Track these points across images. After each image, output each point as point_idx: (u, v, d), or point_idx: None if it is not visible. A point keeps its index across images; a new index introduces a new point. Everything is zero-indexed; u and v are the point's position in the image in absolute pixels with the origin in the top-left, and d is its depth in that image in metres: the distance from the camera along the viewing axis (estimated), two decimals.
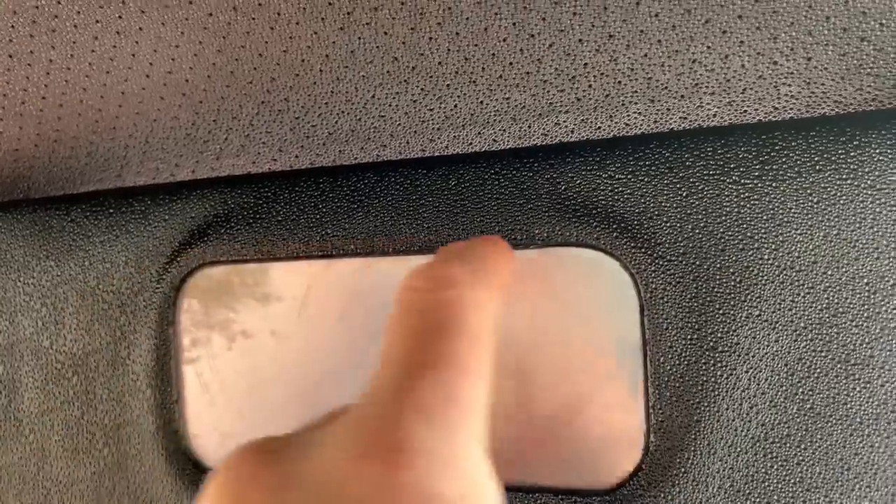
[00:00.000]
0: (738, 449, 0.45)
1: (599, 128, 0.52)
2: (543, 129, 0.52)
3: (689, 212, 0.45)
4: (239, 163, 0.60)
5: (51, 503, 0.60)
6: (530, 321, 0.49)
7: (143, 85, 0.54)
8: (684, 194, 0.46)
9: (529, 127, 0.52)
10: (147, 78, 0.54)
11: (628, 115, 0.50)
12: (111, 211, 0.58)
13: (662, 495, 0.46)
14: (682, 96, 0.49)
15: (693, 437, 0.45)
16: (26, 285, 0.59)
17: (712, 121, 0.50)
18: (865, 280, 0.43)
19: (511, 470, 0.50)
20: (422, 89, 0.51)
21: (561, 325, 0.48)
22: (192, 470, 0.56)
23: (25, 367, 0.60)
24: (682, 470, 0.45)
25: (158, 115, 0.56)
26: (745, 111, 0.48)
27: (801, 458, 0.44)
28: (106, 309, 0.57)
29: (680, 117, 0.50)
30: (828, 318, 0.43)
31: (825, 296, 0.43)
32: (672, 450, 0.46)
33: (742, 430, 0.45)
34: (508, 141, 0.54)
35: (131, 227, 0.57)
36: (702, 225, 0.45)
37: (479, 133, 0.54)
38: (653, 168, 0.46)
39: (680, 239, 0.46)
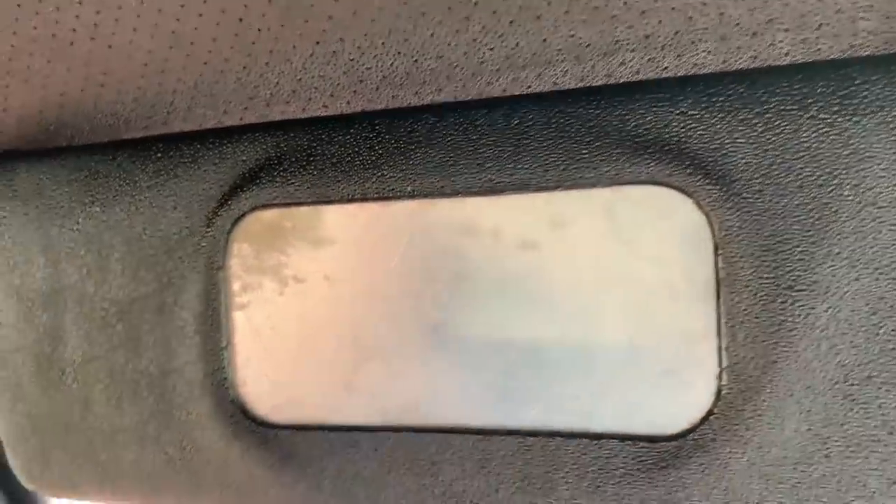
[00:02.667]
0: (817, 391, 0.43)
1: (666, 68, 0.50)
2: (607, 69, 0.51)
3: (765, 148, 0.44)
4: (289, 109, 0.59)
5: (94, 452, 0.59)
6: (597, 262, 0.47)
7: (196, 25, 0.53)
8: (760, 130, 0.44)
9: (593, 67, 0.51)
10: (200, 17, 0.53)
11: (697, 55, 0.49)
12: (158, 156, 0.56)
13: (736, 439, 0.44)
14: (754, 33, 0.47)
15: (769, 378, 0.44)
16: (71, 231, 0.58)
17: (783, 60, 0.48)
18: None
19: (574, 416, 0.48)
20: (483, 27, 0.50)
21: (629, 266, 0.47)
22: (240, 418, 0.55)
23: (69, 315, 0.59)
24: (758, 412, 0.44)
25: (209, 58, 0.55)
26: (819, 49, 0.47)
27: (883, 400, 0.42)
28: (153, 255, 0.56)
29: (750, 57, 0.49)
30: None
31: None
32: (746, 392, 0.44)
33: (821, 372, 0.43)
34: (570, 83, 0.52)
35: (179, 171, 0.56)
36: (779, 161, 0.44)
37: (540, 75, 0.52)
38: (727, 104, 0.45)
39: (756, 176, 0.44)
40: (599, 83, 0.51)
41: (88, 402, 0.58)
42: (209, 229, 0.55)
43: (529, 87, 0.52)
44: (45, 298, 0.59)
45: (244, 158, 0.54)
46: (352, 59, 0.54)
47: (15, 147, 0.63)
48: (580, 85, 0.52)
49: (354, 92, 0.56)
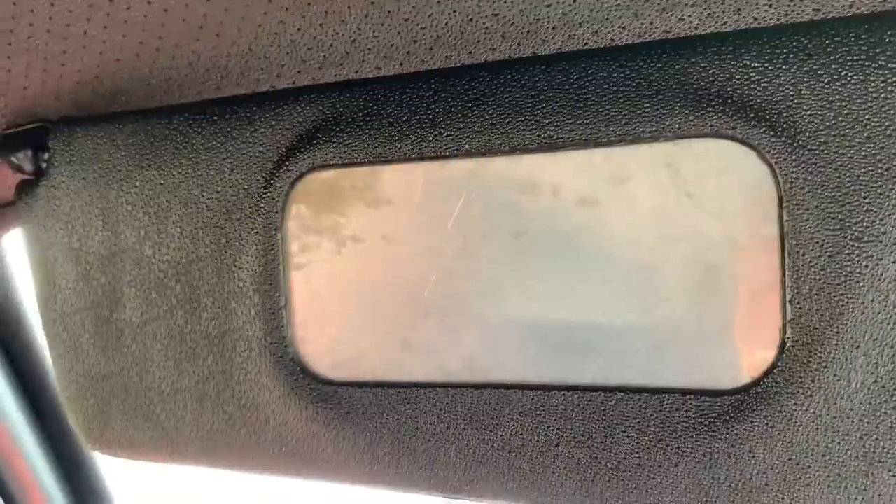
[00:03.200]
0: (884, 342, 0.43)
1: (725, 23, 0.50)
2: (665, 25, 0.51)
3: (831, 99, 0.44)
4: (342, 72, 0.59)
5: (154, 412, 0.60)
6: (658, 217, 0.47)
7: None
8: (826, 81, 0.44)
9: (651, 23, 0.51)
10: None
11: (758, 8, 0.48)
12: (215, 118, 0.57)
13: (801, 391, 0.44)
14: None
15: (835, 330, 0.44)
16: (129, 195, 0.59)
17: (848, 12, 0.48)
18: None
19: (634, 371, 0.48)
20: None
21: (692, 220, 0.47)
22: (299, 376, 0.56)
23: (127, 277, 0.60)
24: (823, 365, 0.44)
25: (264, 20, 0.55)
26: None
27: None
28: (210, 216, 0.57)
29: (813, 9, 0.48)
30: None
31: None
32: (811, 344, 0.44)
33: (888, 323, 0.43)
34: (627, 39, 0.52)
35: (236, 133, 0.56)
36: (845, 112, 0.43)
37: (597, 31, 0.52)
38: (791, 55, 0.44)
39: (822, 127, 0.44)
40: (658, 39, 0.51)
41: (147, 362, 0.59)
42: (267, 191, 0.55)
43: (586, 44, 0.52)
44: (104, 261, 0.60)
45: (301, 120, 0.54)
46: (406, 20, 0.54)
47: (72, 113, 0.64)
48: (638, 41, 0.51)
49: (408, 53, 0.56)
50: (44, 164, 0.62)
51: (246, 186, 0.56)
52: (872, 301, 0.43)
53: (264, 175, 0.55)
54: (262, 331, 0.56)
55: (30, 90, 0.62)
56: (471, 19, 0.53)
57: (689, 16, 0.50)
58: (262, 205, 0.55)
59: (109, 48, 0.58)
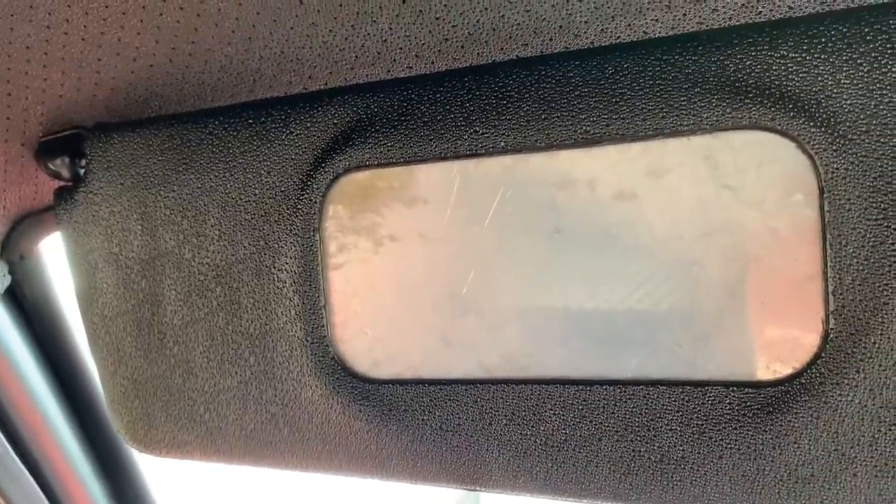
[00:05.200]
0: None
1: (760, 13, 0.49)
2: (699, 16, 0.50)
3: (871, 88, 0.43)
4: (374, 72, 0.59)
5: (197, 412, 0.61)
6: (698, 210, 0.47)
7: None
8: (866, 70, 0.43)
9: (684, 15, 0.50)
10: None
11: None
12: (250, 122, 0.57)
13: (846, 381, 0.44)
14: None
15: (879, 320, 0.43)
16: (167, 199, 0.60)
17: None
18: None
19: (676, 364, 0.49)
20: None
21: (732, 212, 0.47)
22: (340, 374, 0.56)
23: (168, 281, 0.60)
24: (868, 354, 0.44)
25: (295, 23, 0.56)
26: None
27: None
28: (249, 219, 0.57)
29: None
30: None
31: None
32: (855, 335, 0.44)
33: None
34: (660, 31, 0.52)
35: (271, 136, 0.57)
36: (886, 101, 0.43)
37: (630, 24, 0.52)
38: (829, 44, 0.44)
39: (862, 116, 0.43)
40: (691, 31, 0.50)
41: (190, 364, 0.60)
42: (304, 192, 0.56)
43: (619, 37, 0.52)
44: (144, 265, 0.61)
45: (335, 121, 0.55)
46: (437, 18, 0.54)
47: (108, 119, 0.65)
48: (671, 33, 0.51)
49: (439, 51, 0.56)
50: (81, 171, 0.63)
51: (283, 189, 0.56)
52: None
53: (301, 177, 0.56)
54: (303, 330, 0.56)
55: (65, 97, 0.63)
56: (502, 15, 0.53)
57: (723, 7, 0.49)
58: (299, 206, 0.56)
59: (143, 54, 0.59)
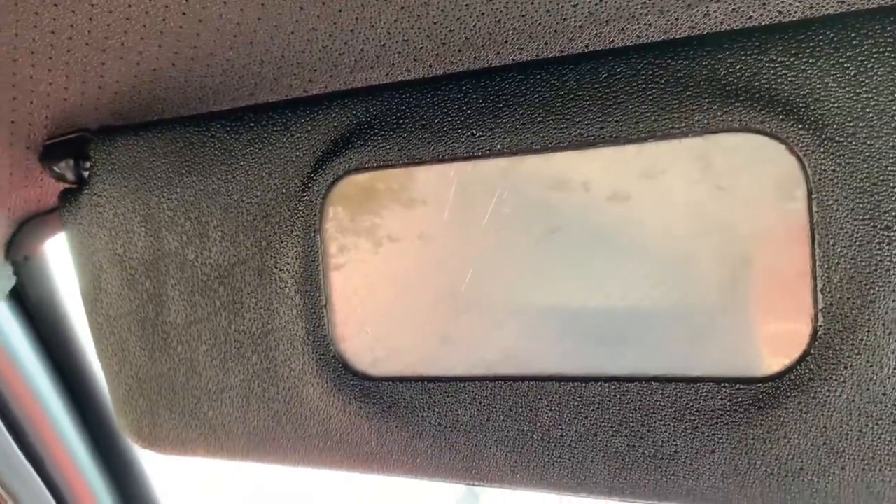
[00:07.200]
0: None
1: (751, 17, 0.51)
2: (691, 21, 0.51)
3: (858, 91, 0.44)
4: (372, 76, 0.60)
5: (201, 410, 0.62)
6: (690, 210, 0.48)
7: None
8: (852, 73, 0.45)
9: (676, 20, 0.52)
10: None
11: (782, 2, 0.49)
12: (251, 125, 0.59)
13: (834, 377, 0.46)
14: None
15: (867, 317, 0.45)
16: (170, 201, 0.61)
17: (872, 4, 0.49)
18: None
19: (670, 361, 0.50)
20: None
21: (723, 212, 0.48)
22: (342, 372, 0.57)
23: (171, 281, 0.62)
24: (856, 351, 0.45)
25: (296, 27, 0.57)
26: None
27: None
28: (251, 220, 0.59)
29: (838, 1, 0.49)
30: None
31: None
32: (843, 332, 0.45)
33: None
34: (653, 36, 0.53)
35: (273, 139, 0.58)
36: (872, 104, 0.44)
37: (623, 29, 0.53)
38: (817, 49, 0.45)
39: (849, 119, 0.45)
40: (683, 35, 0.52)
41: (193, 362, 0.61)
42: (305, 194, 0.57)
43: (612, 42, 0.53)
44: (148, 266, 0.62)
45: (335, 124, 0.56)
46: (435, 23, 0.55)
47: (111, 122, 0.66)
48: (664, 38, 0.52)
49: (437, 55, 0.57)
50: (85, 173, 0.64)
51: (284, 191, 0.57)
52: None
53: (302, 179, 0.57)
54: (305, 329, 0.57)
55: (70, 101, 0.64)
56: (498, 21, 0.54)
57: (715, 11, 0.50)
58: (300, 208, 0.57)
59: (146, 58, 0.60)
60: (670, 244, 0.49)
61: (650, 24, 0.52)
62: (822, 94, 0.45)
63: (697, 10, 0.51)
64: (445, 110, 0.53)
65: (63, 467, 0.88)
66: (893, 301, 0.44)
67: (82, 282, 0.66)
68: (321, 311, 0.57)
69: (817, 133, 0.45)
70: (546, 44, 0.55)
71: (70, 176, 0.65)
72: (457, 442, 0.55)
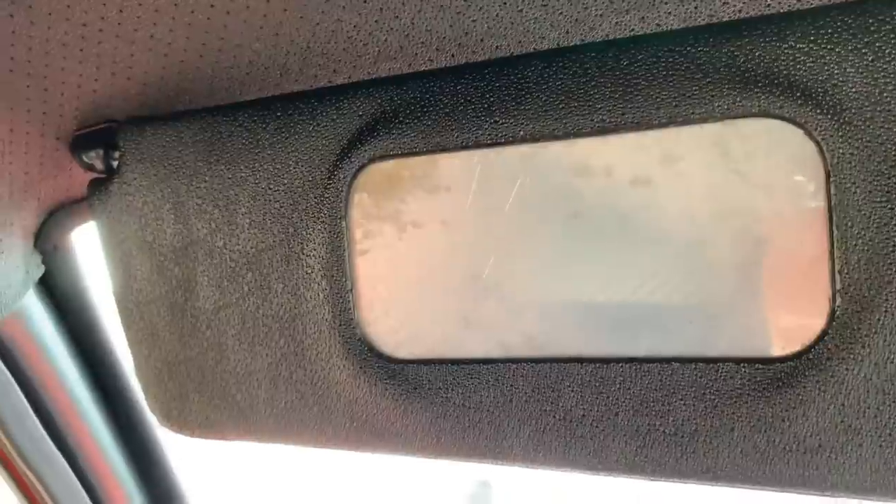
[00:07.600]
0: None
1: (769, 5, 0.52)
2: (710, 9, 0.52)
3: (875, 76, 0.45)
4: (395, 66, 0.61)
5: (230, 393, 0.64)
6: (710, 194, 0.49)
7: None
8: (870, 59, 0.45)
9: (696, 8, 0.53)
10: None
11: None
12: (278, 114, 0.60)
13: (851, 357, 0.47)
14: None
15: (884, 297, 0.46)
16: (198, 189, 0.63)
17: None
18: None
19: (690, 342, 0.51)
20: None
21: (742, 196, 0.49)
22: (367, 355, 0.59)
23: (200, 267, 0.63)
24: (873, 331, 0.46)
25: (322, 19, 0.58)
26: None
27: None
28: (278, 208, 0.60)
29: None
30: None
31: None
32: (861, 312, 0.46)
33: None
34: (673, 24, 0.54)
35: (299, 128, 0.59)
36: (889, 88, 0.45)
37: (643, 18, 0.54)
38: (835, 35, 0.46)
39: (867, 104, 0.46)
40: (702, 23, 0.53)
41: (222, 346, 0.63)
42: (331, 182, 0.58)
43: (633, 30, 0.54)
44: (177, 253, 0.64)
45: (360, 113, 0.57)
46: (458, 13, 0.56)
47: (140, 112, 0.67)
48: (683, 25, 0.53)
49: (459, 45, 0.58)
50: (115, 163, 0.66)
51: (310, 178, 0.59)
52: None
53: (328, 167, 0.58)
54: (331, 314, 0.59)
55: (99, 92, 0.66)
56: (520, 10, 0.55)
57: None
58: (326, 195, 0.58)
59: (174, 50, 0.62)
60: (690, 228, 0.50)
61: (670, 13, 0.53)
62: (841, 79, 0.46)
63: None
64: (468, 98, 0.54)
65: (89, 452, 0.90)
66: None
67: (112, 269, 0.67)
68: (347, 296, 0.59)
69: (835, 118, 0.46)
70: (567, 32, 0.56)
71: (99, 166, 0.66)
72: (480, 422, 0.56)
